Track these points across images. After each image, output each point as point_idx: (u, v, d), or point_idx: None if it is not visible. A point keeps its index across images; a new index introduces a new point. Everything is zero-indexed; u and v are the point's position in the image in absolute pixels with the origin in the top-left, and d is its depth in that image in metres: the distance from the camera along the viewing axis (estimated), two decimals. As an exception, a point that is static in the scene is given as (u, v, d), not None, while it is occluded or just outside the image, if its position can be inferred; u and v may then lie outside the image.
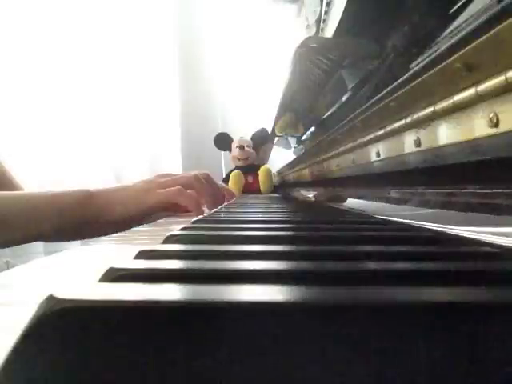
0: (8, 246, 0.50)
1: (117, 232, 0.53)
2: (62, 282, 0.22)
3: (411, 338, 0.09)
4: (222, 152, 1.65)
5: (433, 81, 0.26)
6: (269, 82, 1.51)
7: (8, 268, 0.24)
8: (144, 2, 1.67)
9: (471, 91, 0.22)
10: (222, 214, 0.46)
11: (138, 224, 0.57)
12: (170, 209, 0.64)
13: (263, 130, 1.44)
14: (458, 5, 0.31)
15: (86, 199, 0.52)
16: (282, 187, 1.30)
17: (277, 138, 1.29)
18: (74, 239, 0.63)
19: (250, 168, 1.41)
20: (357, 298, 0.10)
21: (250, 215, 0.42)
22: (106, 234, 0.56)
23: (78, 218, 0.52)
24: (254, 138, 1.47)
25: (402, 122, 0.31)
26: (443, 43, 0.28)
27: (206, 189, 0.58)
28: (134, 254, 0.18)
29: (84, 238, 0.62)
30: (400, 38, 0.43)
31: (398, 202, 0.41)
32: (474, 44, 0.21)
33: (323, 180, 0.68)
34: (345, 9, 0.47)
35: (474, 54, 0.21)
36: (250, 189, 1.36)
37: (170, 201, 0.54)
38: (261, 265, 0.15)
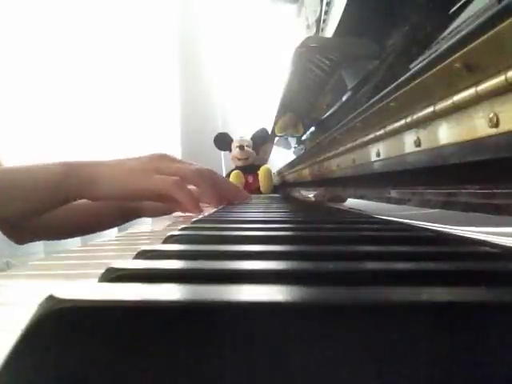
0: None
1: None
2: (62, 282, 0.22)
3: (411, 338, 0.09)
4: (222, 152, 1.65)
5: (433, 81, 0.26)
6: (269, 82, 1.51)
7: (8, 268, 0.24)
8: (145, 2, 1.67)
9: (471, 91, 0.22)
10: (222, 214, 0.46)
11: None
12: (162, 201, 0.55)
13: (263, 130, 1.44)
14: (458, 5, 0.31)
15: (64, 173, 0.46)
16: (282, 187, 1.30)
17: (277, 138, 1.29)
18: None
19: (250, 168, 1.41)
20: (357, 298, 0.10)
21: (249, 215, 0.42)
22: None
23: (57, 195, 0.46)
24: (254, 138, 1.47)
25: (402, 121, 0.31)
26: (443, 43, 0.28)
27: (208, 188, 0.51)
28: (134, 254, 0.18)
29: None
30: (400, 37, 0.43)
31: (398, 201, 0.41)
32: (473, 44, 0.21)
33: (323, 180, 0.68)
34: (345, 9, 0.47)
35: (474, 54, 0.21)
36: (249, 189, 1.36)
37: (165, 192, 0.47)
38: (261, 265, 0.15)
